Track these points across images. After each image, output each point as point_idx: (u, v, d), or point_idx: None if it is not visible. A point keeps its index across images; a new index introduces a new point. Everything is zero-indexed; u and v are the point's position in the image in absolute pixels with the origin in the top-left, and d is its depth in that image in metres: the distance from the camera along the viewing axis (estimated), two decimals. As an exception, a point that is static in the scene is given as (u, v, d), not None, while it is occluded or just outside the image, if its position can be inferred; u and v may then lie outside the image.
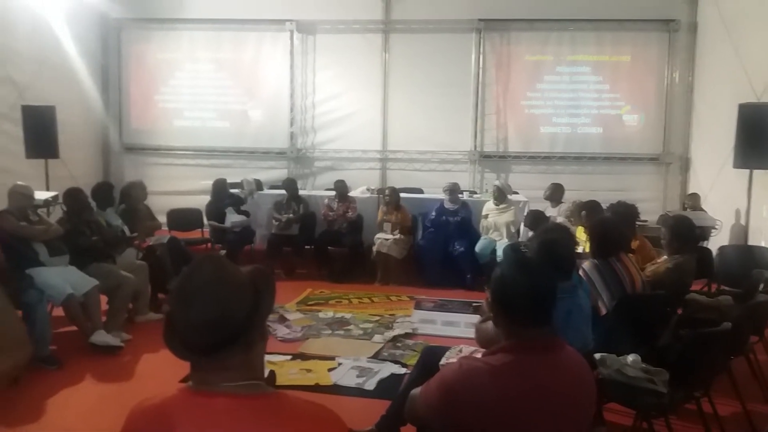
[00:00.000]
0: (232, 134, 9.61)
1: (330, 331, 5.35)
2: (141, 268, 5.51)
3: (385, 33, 9.26)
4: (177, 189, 9.10)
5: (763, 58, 6.63)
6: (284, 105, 9.46)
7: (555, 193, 7.12)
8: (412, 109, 9.23)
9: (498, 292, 1.85)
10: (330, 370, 4.40)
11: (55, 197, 6.23)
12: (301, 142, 9.53)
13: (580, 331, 2.73)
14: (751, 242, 6.20)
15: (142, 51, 9.75)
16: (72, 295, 4.57)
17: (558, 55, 9.12)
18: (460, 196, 7.56)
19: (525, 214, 6.93)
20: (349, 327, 5.47)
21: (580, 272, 3.35)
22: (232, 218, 7.40)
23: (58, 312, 4.80)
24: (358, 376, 4.27)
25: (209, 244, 7.52)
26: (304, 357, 4.67)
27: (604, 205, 5.27)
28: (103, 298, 5.02)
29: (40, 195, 5.80)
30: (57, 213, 5.99)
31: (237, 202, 7.67)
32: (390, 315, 5.86)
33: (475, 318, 5.03)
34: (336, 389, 4.09)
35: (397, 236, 7.20)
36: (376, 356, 4.71)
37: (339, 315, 5.83)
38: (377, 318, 5.74)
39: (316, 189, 9.03)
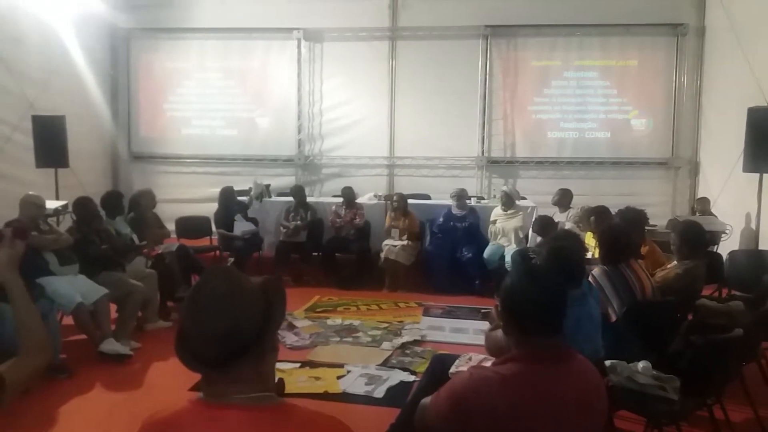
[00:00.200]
0: (240, 142, 9.66)
1: (338, 339, 5.35)
2: (150, 277, 5.54)
3: (391, 40, 9.28)
4: (185, 197, 9.13)
5: (771, 62, 6.62)
6: (292, 112, 9.50)
7: (563, 199, 7.10)
8: (419, 115, 9.25)
9: (508, 302, 1.84)
10: (339, 377, 4.39)
11: (64, 206, 6.26)
12: (308, 149, 9.56)
13: (590, 339, 2.72)
14: (761, 247, 6.15)
15: (150, 60, 9.82)
16: (81, 304, 4.60)
17: (565, 61, 9.11)
18: (467, 201, 7.56)
19: (533, 219, 6.92)
20: (357, 334, 5.47)
21: (590, 279, 3.33)
22: (241, 226, 7.42)
23: (68, 321, 4.82)
24: (366, 384, 4.26)
25: (218, 252, 7.54)
26: (312, 365, 4.67)
27: (613, 211, 5.24)
28: (113, 307, 5.05)
29: (50, 204, 5.82)
30: (67, 222, 6.02)
31: (243, 209, 7.70)
32: (398, 322, 5.85)
33: (484, 324, 5.04)
34: (345, 397, 4.08)
35: (405, 242, 7.20)
36: (385, 363, 4.70)
37: (347, 322, 5.83)
38: (385, 325, 5.73)
39: (324, 196, 9.04)
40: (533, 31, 9.05)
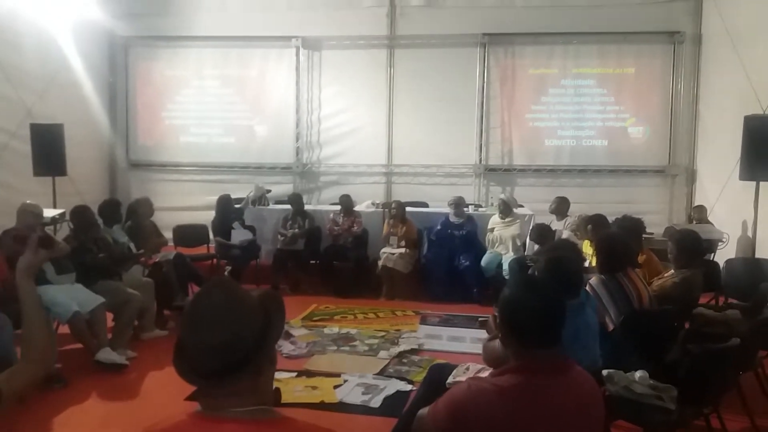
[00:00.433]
0: (238, 150, 9.66)
1: (335, 347, 5.34)
2: (147, 285, 5.53)
3: (389, 48, 9.31)
4: (183, 205, 9.12)
5: (768, 70, 6.66)
6: (290, 120, 9.51)
7: (560, 207, 7.10)
8: (417, 123, 9.26)
9: (506, 313, 1.84)
10: (335, 387, 4.38)
11: (62, 215, 6.27)
12: (306, 157, 9.57)
13: (588, 348, 2.72)
14: (758, 255, 6.15)
15: (148, 68, 9.83)
16: (78, 313, 4.59)
17: (562, 68, 9.14)
18: (465, 209, 7.56)
19: (531, 227, 6.93)
20: (354, 343, 5.46)
21: (587, 288, 3.33)
22: (238, 234, 7.42)
23: (64, 329, 4.80)
24: (363, 393, 4.25)
25: (215, 260, 7.53)
26: (309, 374, 4.66)
27: (610, 218, 5.25)
28: (109, 315, 5.03)
29: (48, 212, 5.84)
30: (64, 230, 6.02)
31: (240, 215, 7.70)
32: (395, 330, 5.84)
33: (482, 333, 5.01)
34: (341, 407, 4.07)
35: (403, 250, 7.20)
36: (382, 373, 4.69)
37: (344, 331, 5.82)
38: (383, 333, 5.72)
39: (322, 204, 9.04)
40: (530, 39, 9.09)
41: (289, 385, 4.38)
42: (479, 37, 9.06)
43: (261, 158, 9.60)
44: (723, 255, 6.33)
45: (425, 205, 8.62)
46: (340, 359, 5.06)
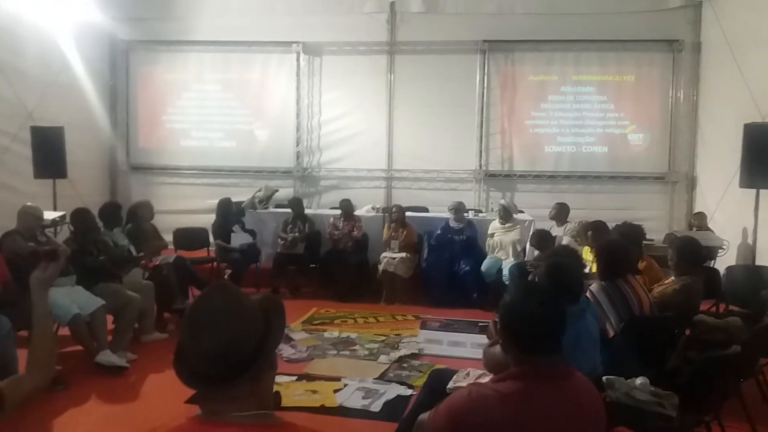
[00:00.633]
0: (238, 154, 9.67)
1: (335, 351, 5.34)
2: (147, 288, 5.53)
3: (390, 54, 9.33)
4: (183, 208, 9.13)
5: (767, 78, 6.66)
6: (290, 125, 9.52)
7: (560, 213, 7.11)
8: (417, 128, 9.28)
9: (507, 320, 1.84)
10: (336, 391, 4.38)
11: (62, 217, 6.27)
12: (306, 162, 9.57)
13: (588, 355, 2.72)
14: (758, 262, 6.15)
15: (150, 72, 9.85)
16: (78, 315, 4.59)
17: (562, 75, 9.16)
18: (465, 214, 7.56)
19: (531, 233, 6.93)
20: (354, 347, 5.45)
21: (588, 294, 3.34)
22: (239, 238, 7.42)
23: (64, 332, 4.80)
24: (363, 398, 4.25)
25: (215, 263, 7.53)
26: (309, 378, 4.66)
27: (610, 225, 5.26)
28: (109, 318, 5.03)
29: (48, 215, 5.83)
30: (64, 233, 6.02)
31: (240, 217, 7.71)
32: (396, 335, 5.84)
33: (482, 338, 5.03)
34: (342, 411, 4.07)
35: (404, 255, 7.20)
36: (382, 377, 4.69)
37: (344, 335, 5.82)
38: (383, 338, 5.72)
39: (322, 208, 9.05)
40: (531, 46, 9.11)
41: (289, 389, 4.38)
42: (479, 44, 9.08)
43: (261, 162, 9.60)
44: (723, 262, 6.33)
45: (425, 210, 8.63)
46: (340, 363, 5.06)
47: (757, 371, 3.77)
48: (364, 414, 4.02)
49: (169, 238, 7.31)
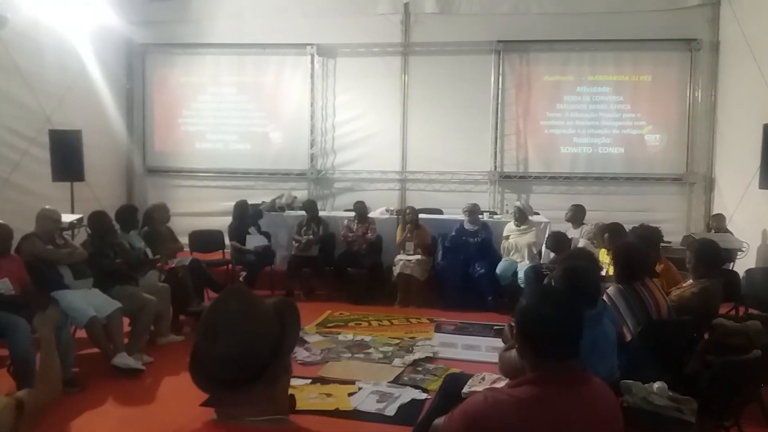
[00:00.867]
0: (253, 156, 9.72)
1: (350, 354, 5.33)
2: (163, 290, 5.56)
3: (404, 56, 9.33)
4: (199, 210, 9.18)
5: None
6: (305, 127, 9.55)
7: (576, 215, 7.05)
8: (431, 130, 9.27)
9: (523, 325, 1.82)
10: (350, 394, 4.36)
11: (80, 220, 6.34)
12: (321, 164, 9.60)
13: (605, 359, 2.68)
14: (779, 264, 6.07)
15: (165, 75, 9.93)
16: (95, 318, 4.62)
17: (578, 75, 9.10)
18: (480, 216, 7.52)
19: (546, 235, 6.88)
20: (369, 350, 5.44)
21: (605, 297, 3.30)
22: (254, 240, 7.45)
23: (81, 334, 4.85)
24: (378, 401, 4.23)
25: (230, 266, 7.56)
26: (324, 381, 4.65)
27: (627, 227, 5.20)
28: (125, 320, 5.07)
29: (66, 218, 5.90)
30: (82, 235, 6.08)
31: (257, 219, 7.74)
32: (410, 338, 5.82)
33: (497, 341, 5.00)
34: (356, 414, 4.05)
35: (420, 257, 7.18)
36: (397, 381, 4.67)
37: (359, 338, 5.81)
38: (397, 341, 5.70)
39: (336, 210, 9.07)
40: (546, 47, 9.06)
41: (303, 392, 4.37)
42: (494, 44, 9.05)
43: (276, 164, 9.65)
44: (743, 265, 6.25)
45: (440, 212, 8.61)
46: (354, 366, 5.04)
47: (779, 376, 3.70)
48: (378, 418, 4.00)
49: (184, 240, 7.36)
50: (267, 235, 7.69)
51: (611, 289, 3.45)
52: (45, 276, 4.67)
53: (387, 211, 8.29)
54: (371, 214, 7.92)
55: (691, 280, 4.01)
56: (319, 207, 8.11)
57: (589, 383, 1.80)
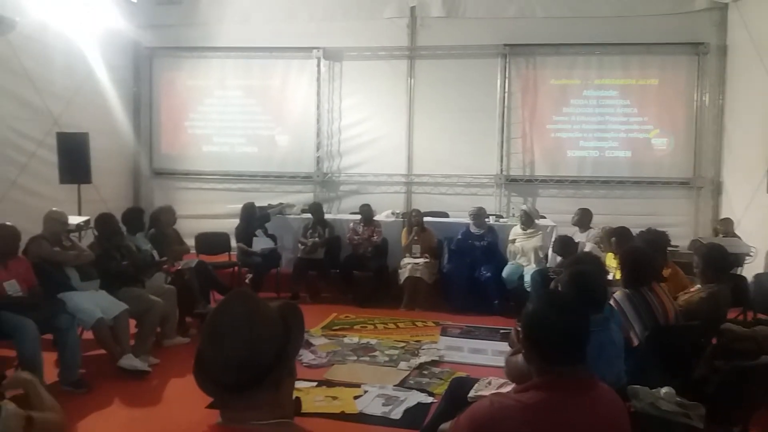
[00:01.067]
0: (259, 159, 9.74)
1: (355, 357, 5.33)
2: (169, 292, 5.57)
3: (410, 59, 9.33)
4: (205, 213, 9.20)
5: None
6: (311, 130, 9.56)
7: (583, 218, 7.03)
8: (437, 133, 9.26)
9: (530, 330, 1.81)
10: (356, 397, 4.36)
11: (86, 222, 6.36)
12: (327, 167, 9.60)
13: (612, 365, 2.67)
14: (787, 269, 6.03)
15: (172, 78, 9.97)
16: (102, 320, 4.64)
17: (584, 79, 9.07)
18: (486, 220, 7.51)
19: (553, 239, 6.86)
20: (374, 353, 5.43)
21: (612, 302, 3.28)
22: (260, 243, 7.46)
23: (88, 335, 4.85)
24: (384, 405, 4.23)
25: (236, 268, 7.57)
26: (329, 384, 4.65)
27: (634, 231, 5.18)
28: (132, 322, 5.08)
29: (73, 220, 5.91)
30: (88, 237, 6.10)
31: (264, 219, 7.76)
32: (416, 341, 5.81)
33: (503, 345, 4.98)
34: (362, 418, 4.05)
35: (427, 259, 7.17)
36: (402, 384, 4.66)
37: (364, 340, 5.80)
38: (403, 344, 5.69)
39: (342, 213, 9.06)
40: (552, 50, 9.04)
41: (309, 395, 4.37)
42: (500, 48, 9.03)
43: (282, 167, 9.66)
44: (751, 269, 6.21)
45: (445, 215, 8.59)
46: (360, 369, 5.04)
47: (787, 382, 3.67)
48: (384, 421, 3.99)
49: (191, 242, 7.38)
50: (273, 237, 7.70)
51: (618, 294, 3.43)
52: (52, 278, 4.70)
53: (393, 214, 8.29)
54: (377, 217, 7.91)
55: (698, 285, 3.99)
56: (324, 210, 8.11)
57: (595, 388, 1.79)
